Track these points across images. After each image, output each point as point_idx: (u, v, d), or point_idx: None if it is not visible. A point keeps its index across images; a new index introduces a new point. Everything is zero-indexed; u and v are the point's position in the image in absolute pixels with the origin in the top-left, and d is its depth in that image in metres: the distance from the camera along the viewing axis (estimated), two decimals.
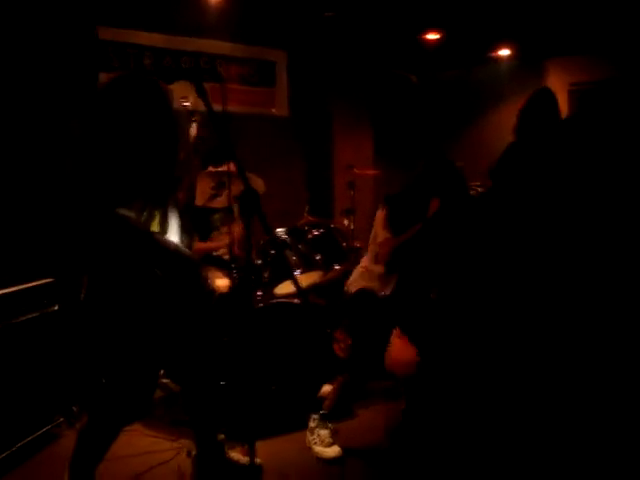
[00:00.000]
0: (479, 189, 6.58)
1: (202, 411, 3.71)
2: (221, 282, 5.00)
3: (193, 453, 3.87)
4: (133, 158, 3.08)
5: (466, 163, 6.59)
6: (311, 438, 4.31)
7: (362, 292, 4.18)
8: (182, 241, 3.38)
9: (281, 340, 4.65)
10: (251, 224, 2.84)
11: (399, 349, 4.39)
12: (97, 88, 5.67)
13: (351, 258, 5.44)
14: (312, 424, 4.34)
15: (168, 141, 3.24)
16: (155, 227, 3.21)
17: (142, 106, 3.14)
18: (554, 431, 3.08)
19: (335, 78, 7.90)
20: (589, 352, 3.72)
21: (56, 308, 4.47)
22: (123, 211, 3.06)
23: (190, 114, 4.70)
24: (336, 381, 4.41)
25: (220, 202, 4.92)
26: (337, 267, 5.22)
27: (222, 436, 3.89)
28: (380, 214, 4.17)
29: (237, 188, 5.00)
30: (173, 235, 3.32)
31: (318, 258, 5.09)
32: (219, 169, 5.13)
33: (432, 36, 7.39)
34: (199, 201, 4.86)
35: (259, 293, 4.93)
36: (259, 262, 5.09)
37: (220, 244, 5.34)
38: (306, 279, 5.09)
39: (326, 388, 4.71)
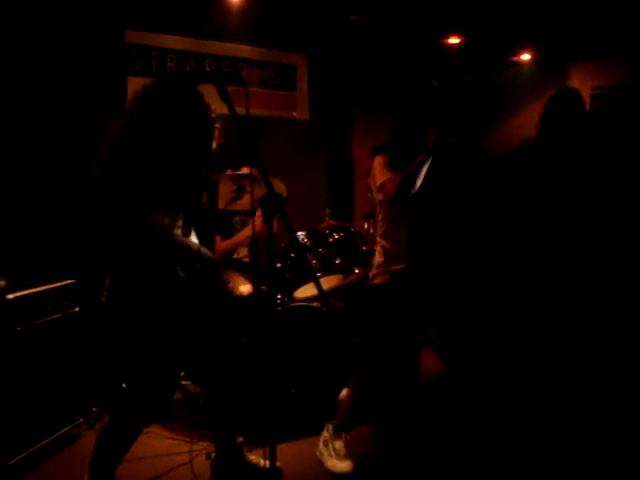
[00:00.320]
0: None
1: (222, 413, 3.72)
2: (244, 288, 5.01)
3: (212, 456, 3.89)
4: (167, 164, 3.09)
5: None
6: (324, 450, 4.21)
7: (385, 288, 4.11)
8: (203, 243, 3.38)
9: (301, 343, 4.65)
10: (273, 227, 2.84)
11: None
12: (129, 93, 5.72)
13: (370, 262, 5.43)
14: (326, 434, 4.25)
15: (203, 148, 3.26)
16: (178, 230, 3.23)
17: (180, 113, 3.15)
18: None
19: (356, 82, 7.90)
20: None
21: (77, 309, 4.50)
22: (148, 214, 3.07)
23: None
24: (349, 388, 4.37)
25: (241, 205, 4.95)
26: (357, 271, 5.21)
27: (241, 439, 3.90)
28: (377, 161, 4.09)
29: (258, 191, 5.04)
30: (194, 237, 3.33)
31: (338, 262, 5.09)
32: (237, 172, 5.15)
33: (453, 40, 7.36)
34: (221, 204, 4.89)
35: (279, 296, 4.93)
36: (279, 265, 5.10)
37: (241, 238, 5.33)
38: (326, 283, 5.10)
39: (345, 392, 4.70)
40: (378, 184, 4.00)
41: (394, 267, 4.05)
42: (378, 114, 7.86)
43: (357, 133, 7.97)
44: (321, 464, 4.18)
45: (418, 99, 4.05)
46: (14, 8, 5.06)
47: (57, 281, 4.39)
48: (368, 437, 4.60)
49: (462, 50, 7.52)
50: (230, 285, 5.02)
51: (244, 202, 4.89)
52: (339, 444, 4.17)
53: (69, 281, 4.47)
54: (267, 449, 2.89)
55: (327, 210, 6.04)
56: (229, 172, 5.18)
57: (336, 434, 4.19)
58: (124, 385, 3.63)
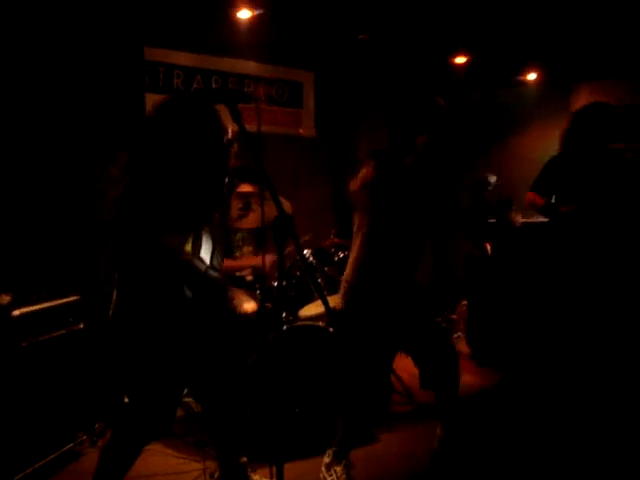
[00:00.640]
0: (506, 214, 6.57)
1: (224, 432, 3.70)
2: (248, 305, 5.00)
3: (216, 475, 3.86)
4: (181, 183, 3.07)
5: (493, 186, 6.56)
6: (326, 474, 4.13)
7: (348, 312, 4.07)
8: (214, 260, 3.36)
9: (306, 362, 4.63)
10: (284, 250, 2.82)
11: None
12: (146, 110, 5.72)
13: None
14: (327, 459, 4.17)
15: (218, 167, 3.24)
16: (188, 247, 3.21)
17: (195, 131, 3.13)
18: None
19: (362, 100, 7.91)
20: None
21: (82, 326, 4.49)
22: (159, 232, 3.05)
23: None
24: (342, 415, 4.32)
25: (247, 223, 4.95)
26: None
27: (245, 459, 3.87)
28: (365, 171, 4.05)
29: (258, 211, 5.05)
30: (205, 254, 3.31)
31: None
32: (243, 190, 5.15)
33: (460, 59, 7.39)
34: (228, 221, 4.89)
35: (283, 315, 4.91)
36: (284, 284, 5.08)
37: (246, 264, 5.33)
38: (330, 302, 5.06)
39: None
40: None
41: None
42: (385, 133, 7.88)
43: (363, 151, 7.97)
44: None
45: (422, 116, 4.04)
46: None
47: (62, 297, 4.38)
48: (373, 457, 4.57)
49: (469, 69, 7.54)
50: (235, 303, 5.01)
51: (250, 220, 4.90)
52: (340, 469, 4.12)
53: (74, 297, 4.46)
54: (274, 469, 2.86)
55: (332, 228, 6.03)
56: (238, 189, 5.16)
57: (336, 459, 4.15)
58: (126, 400, 3.61)
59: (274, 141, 7.08)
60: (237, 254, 5.43)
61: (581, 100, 7.53)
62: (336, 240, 5.87)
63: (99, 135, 5.31)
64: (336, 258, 5.21)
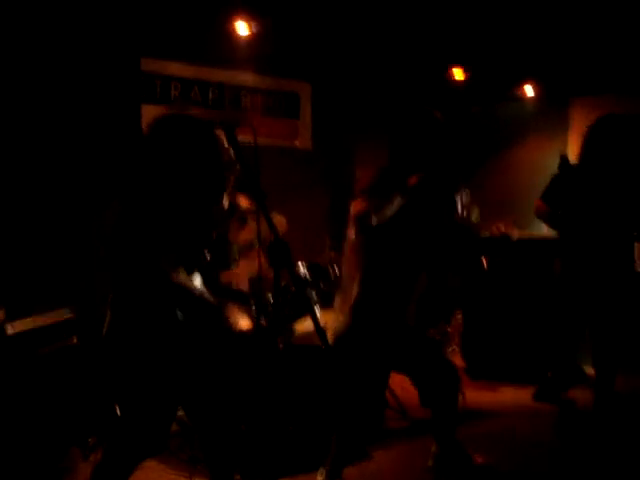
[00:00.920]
0: (502, 228, 6.57)
1: (217, 450, 3.68)
2: (243, 322, 4.97)
3: None
4: (179, 204, 3.06)
5: (488, 199, 6.60)
6: None
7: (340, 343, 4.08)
8: (212, 274, 3.35)
9: (299, 380, 4.61)
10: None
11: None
12: (143, 122, 5.73)
13: None
14: (320, 477, 4.14)
15: (214, 187, 3.23)
16: (182, 269, 3.20)
17: (192, 150, 3.12)
18: None
19: (359, 112, 7.89)
20: None
21: (75, 341, 4.47)
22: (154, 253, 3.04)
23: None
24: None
25: (242, 237, 4.94)
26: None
27: (238, 477, 3.86)
28: (356, 205, 4.12)
29: (255, 224, 5.04)
30: (199, 275, 3.30)
31: None
32: (240, 203, 5.14)
33: (457, 75, 7.38)
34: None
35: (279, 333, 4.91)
36: (279, 299, 5.07)
37: (242, 275, 5.32)
38: (325, 317, 5.07)
39: None
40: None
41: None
42: (381, 146, 7.87)
43: (360, 164, 7.95)
44: None
45: (419, 129, 4.06)
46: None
47: (55, 313, 4.37)
48: (367, 475, 4.56)
49: (467, 84, 7.54)
50: (230, 320, 4.98)
51: (245, 234, 4.89)
52: None
53: (67, 313, 4.44)
54: None
55: (328, 242, 6.02)
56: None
57: (329, 478, 4.13)
58: (119, 418, 3.59)
59: (270, 153, 7.02)
60: (233, 266, 5.42)
61: (578, 114, 7.55)
62: (332, 254, 5.87)
63: (95, 149, 5.31)
64: (331, 273, 5.19)
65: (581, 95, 7.59)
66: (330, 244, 5.96)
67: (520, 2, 5.89)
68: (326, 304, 5.06)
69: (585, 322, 5.46)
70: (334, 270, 5.27)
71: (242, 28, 6.06)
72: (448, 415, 4.21)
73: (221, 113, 6.60)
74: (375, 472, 4.60)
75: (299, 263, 5.19)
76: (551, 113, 7.79)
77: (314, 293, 5.05)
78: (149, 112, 6.18)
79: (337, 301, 4.24)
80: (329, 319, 4.25)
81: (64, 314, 4.44)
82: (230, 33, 6.16)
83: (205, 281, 3.33)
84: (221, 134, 3.02)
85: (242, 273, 5.31)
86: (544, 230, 6.42)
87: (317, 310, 5.06)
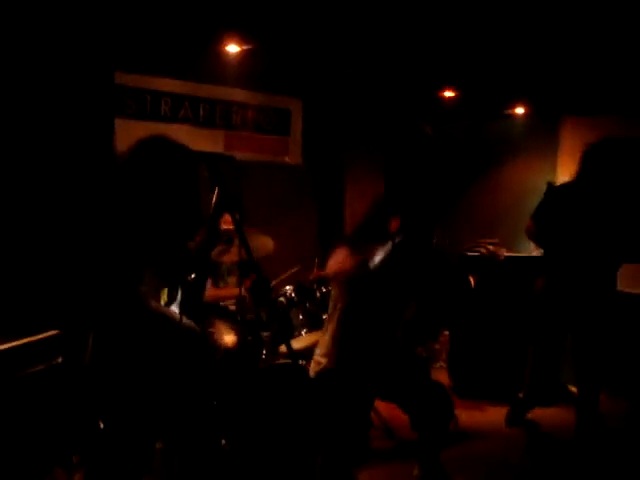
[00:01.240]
0: (490, 247, 6.58)
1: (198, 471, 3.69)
2: (228, 338, 4.99)
3: None
4: (152, 228, 3.06)
5: (476, 217, 6.63)
6: None
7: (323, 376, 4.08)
8: (194, 295, 3.36)
9: (284, 401, 4.61)
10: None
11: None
12: (123, 136, 5.72)
13: None
14: None
15: (190, 211, 3.22)
16: (164, 294, 3.21)
17: (166, 175, 3.11)
18: None
19: (350, 129, 7.91)
20: None
21: (60, 360, 4.46)
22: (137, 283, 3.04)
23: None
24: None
25: (229, 257, 4.95)
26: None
27: None
28: (340, 251, 4.11)
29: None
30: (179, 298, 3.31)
31: (325, 317, 5.07)
32: (225, 225, 5.18)
33: (448, 93, 7.41)
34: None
35: (264, 352, 4.91)
36: (266, 319, 5.09)
37: (229, 294, 5.34)
38: (312, 338, 5.08)
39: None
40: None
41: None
42: (372, 162, 7.91)
43: (350, 180, 7.98)
44: None
45: (411, 143, 4.08)
46: None
47: (40, 332, 4.35)
48: None
49: (456, 103, 7.56)
50: (215, 336, 5.00)
51: (232, 255, 4.90)
52: None
53: (52, 332, 4.42)
54: None
55: (316, 259, 6.02)
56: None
57: None
58: (103, 440, 3.58)
59: (260, 169, 7.09)
60: (221, 284, 5.44)
61: (568, 134, 7.58)
62: (320, 272, 5.87)
63: (68, 165, 5.29)
64: (317, 294, 5.21)
65: (572, 114, 7.61)
66: (319, 261, 5.95)
67: (513, 21, 5.90)
68: (313, 324, 5.08)
69: (564, 341, 5.50)
70: (321, 290, 5.28)
71: (233, 45, 6.07)
72: (437, 440, 4.21)
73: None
74: None
75: (286, 287, 5.22)
76: (541, 132, 7.81)
77: (300, 315, 5.06)
78: (138, 127, 6.22)
79: (325, 330, 4.24)
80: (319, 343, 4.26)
81: (49, 333, 4.42)
82: (221, 50, 6.17)
83: (187, 301, 3.33)
84: (203, 167, 2.99)
85: (229, 292, 5.33)
86: (532, 249, 6.46)
87: (303, 332, 5.08)
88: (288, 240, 6.32)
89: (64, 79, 5.40)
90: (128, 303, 3.02)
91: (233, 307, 5.37)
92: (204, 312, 4.87)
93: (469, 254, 6.79)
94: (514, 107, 7.78)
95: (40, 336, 4.33)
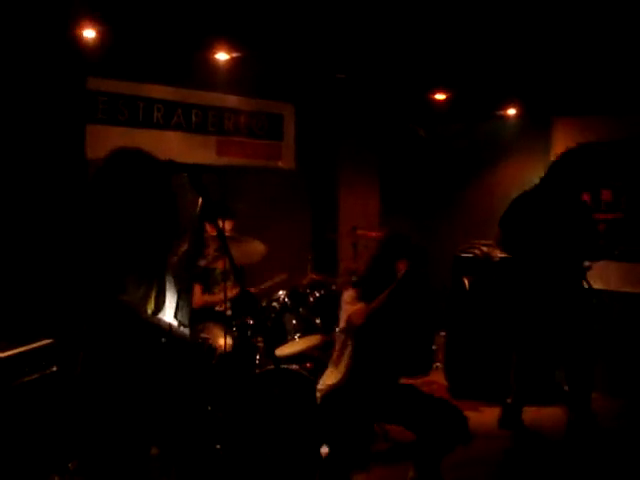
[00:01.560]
0: (484, 249, 6.62)
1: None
2: (224, 340, 5.01)
3: None
4: (128, 238, 3.07)
5: (469, 218, 6.66)
6: None
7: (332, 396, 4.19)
8: (179, 313, 3.37)
9: (276, 406, 4.63)
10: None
11: None
12: (115, 142, 5.73)
13: None
14: None
15: (164, 221, 3.23)
16: (151, 304, 3.21)
17: (139, 186, 3.12)
18: None
19: (343, 132, 7.94)
20: None
21: (55, 369, 4.48)
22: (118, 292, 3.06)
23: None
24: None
25: (222, 263, 4.98)
26: (337, 330, 5.24)
27: None
28: (348, 294, 4.23)
29: (236, 251, 5.10)
30: (169, 308, 3.31)
31: (318, 322, 5.12)
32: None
33: (440, 95, 7.44)
34: (203, 262, 4.93)
35: (257, 357, 4.94)
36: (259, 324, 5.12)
37: (217, 298, 5.36)
38: (305, 342, 5.12)
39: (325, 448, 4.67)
40: (346, 315, 4.16)
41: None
42: (365, 165, 7.93)
43: (343, 183, 7.99)
44: None
45: (406, 149, 4.14)
46: None
47: (34, 341, 4.37)
48: None
49: (448, 104, 7.58)
50: (211, 341, 5.02)
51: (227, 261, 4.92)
52: None
53: (46, 341, 4.45)
54: None
55: (310, 263, 6.06)
56: (208, 227, 5.17)
57: None
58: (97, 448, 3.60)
59: (253, 174, 7.11)
60: (216, 289, 5.46)
61: (560, 134, 7.59)
62: (314, 276, 5.90)
63: (39, 173, 5.32)
64: (311, 299, 5.24)
65: (563, 115, 7.63)
66: (312, 265, 5.99)
67: (503, 23, 5.93)
68: (306, 329, 5.11)
69: (546, 343, 5.55)
70: (314, 294, 5.32)
71: (222, 53, 6.11)
72: (441, 451, 4.27)
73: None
74: None
75: (279, 292, 5.26)
76: (533, 132, 7.83)
77: (294, 319, 5.09)
78: (131, 135, 6.25)
79: (333, 354, 4.32)
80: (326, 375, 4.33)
81: (44, 342, 4.44)
82: (212, 57, 6.21)
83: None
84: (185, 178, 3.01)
85: (219, 297, 5.35)
86: None
87: (296, 336, 5.11)
88: (282, 244, 6.34)
89: (35, 85, 5.42)
90: (110, 312, 3.04)
91: (229, 312, 5.41)
92: (197, 317, 4.92)
93: (463, 255, 6.88)
94: (506, 108, 7.81)
95: (35, 345, 4.36)
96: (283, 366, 4.76)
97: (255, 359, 4.91)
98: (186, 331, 3.24)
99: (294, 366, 4.72)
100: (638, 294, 6.67)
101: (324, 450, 4.41)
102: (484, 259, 6.72)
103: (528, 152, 7.78)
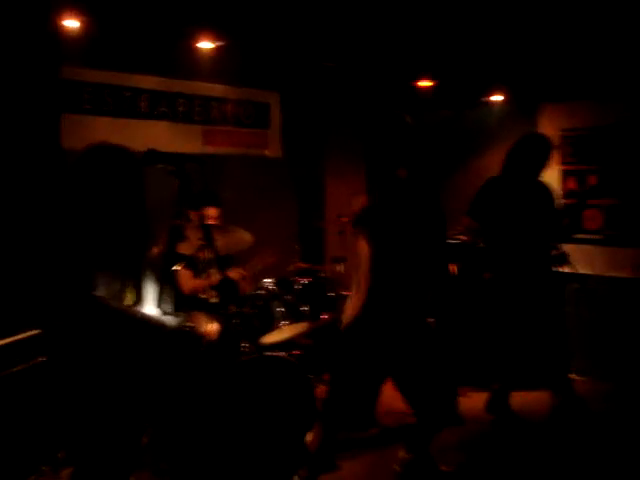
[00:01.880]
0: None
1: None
2: (210, 327, 5.02)
3: None
4: (102, 231, 3.08)
5: (456, 204, 6.67)
6: None
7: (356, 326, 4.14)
8: (162, 303, 3.39)
9: (263, 393, 4.65)
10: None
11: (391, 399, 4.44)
12: (103, 132, 5.75)
13: (338, 307, 5.49)
14: None
15: (137, 215, 3.23)
16: (129, 296, 3.22)
17: (111, 181, 3.12)
18: None
19: (329, 121, 7.94)
20: None
21: (43, 359, 4.48)
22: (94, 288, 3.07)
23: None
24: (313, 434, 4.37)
25: (208, 253, 5.00)
26: (324, 316, 5.27)
27: None
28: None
29: (221, 239, 5.13)
30: (151, 299, 3.33)
31: (305, 309, 5.14)
32: (207, 215, 5.23)
33: (425, 83, 7.44)
34: (188, 250, 4.93)
35: (245, 344, 4.95)
36: (247, 311, 5.13)
37: (208, 283, 5.37)
38: (293, 330, 5.14)
39: (310, 436, 4.69)
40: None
41: None
42: (351, 154, 7.94)
43: (330, 172, 8.00)
44: None
45: (391, 133, 4.13)
46: None
47: (22, 331, 4.37)
48: None
49: (434, 92, 7.59)
50: (198, 328, 5.04)
51: (211, 250, 4.95)
52: None
53: (34, 331, 4.44)
54: None
55: (297, 251, 6.08)
56: (192, 214, 5.18)
57: None
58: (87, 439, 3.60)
59: (240, 162, 7.11)
60: (203, 277, 5.46)
61: (547, 120, 7.61)
62: (300, 264, 5.92)
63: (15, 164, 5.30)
64: (297, 287, 5.27)
65: (549, 101, 7.64)
66: (299, 253, 6.00)
67: (488, 10, 5.93)
68: (293, 316, 5.14)
69: (525, 327, 5.61)
70: (301, 282, 5.34)
71: (206, 42, 6.10)
72: (435, 425, 4.29)
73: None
74: None
75: (266, 280, 5.28)
76: (519, 119, 7.83)
77: (281, 307, 5.11)
78: (117, 125, 6.24)
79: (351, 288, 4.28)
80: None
81: (31, 332, 4.44)
82: (196, 46, 6.19)
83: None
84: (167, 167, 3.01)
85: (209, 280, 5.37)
86: None
87: (283, 324, 5.13)
88: (269, 231, 6.35)
89: (9, 75, 5.39)
90: (83, 306, 3.05)
91: (215, 299, 5.42)
92: (183, 306, 4.93)
93: (450, 242, 6.90)
94: (492, 95, 7.81)
95: (22, 336, 4.36)
96: (270, 353, 4.78)
97: (240, 346, 4.92)
98: (170, 319, 3.26)
99: (281, 353, 4.74)
100: (624, 278, 6.71)
101: (309, 438, 4.44)
102: (471, 244, 6.74)
103: (515, 138, 7.79)
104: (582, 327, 6.65)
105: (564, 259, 5.64)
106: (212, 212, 5.46)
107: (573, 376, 5.96)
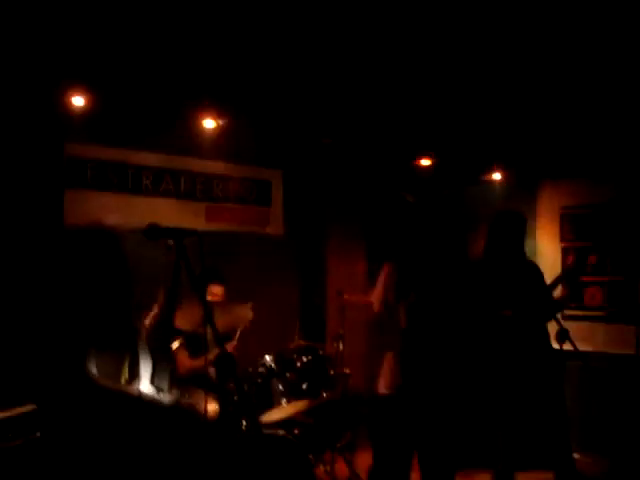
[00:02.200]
0: None
1: None
2: (210, 407, 4.97)
3: None
4: (88, 308, 3.09)
5: None
6: None
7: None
8: (156, 379, 3.36)
9: (263, 473, 4.59)
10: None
11: None
12: (106, 210, 5.81)
13: (338, 386, 5.45)
14: None
15: (122, 294, 3.24)
16: (125, 373, 3.21)
17: (97, 263, 3.14)
18: None
19: (331, 198, 7.99)
20: None
21: (38, 435, 4.43)
22: (90, 367, 3.06)
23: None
24: None
25: (208, 331, 4.96)
26: (324, 395, 5.22)
27: None
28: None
29: (220, 318, 5.11)
30: (145, 372, 3.31)
31: (305, 387, 5.09)
32: (211, 294, 5.24)
33: (425, 162, 7.51)
34: (188, 326, 4.91)
35: (244, 422, 4.90)
36: (246, 389, 5.09)
37: (204, 363, 5.33)
38: (292, 408, 5.09)
39: None
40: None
41: None
42: (352, 231, 7.98)
43: (331, 250, 8.01)
44: None
45: (394, 214, 4.15)
46: None
47: (17, 407, 4.33)
48: None
49: (434, 170, 7.66)
50: (196, 407, 4.99)
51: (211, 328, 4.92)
52: None
53: (30, 407, 4.41)
54: None
55: (297, 329, 6.05)
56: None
57: None
58: None
59: (241, 240, 7.13)
60: (200, 356, 5.43)
61: (547, 198, 7.67)
62: (301, 342, 5.89)
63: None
64: (298, 364, 5.23)
65: (548, 178, 7.71)
66: (299, 332, 5.98)
67: (490, 88, 6.04)
68: (293, 394, 5.09)
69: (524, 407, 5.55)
70: (301, 359, 5.30)
71: (209, 120, 6.20)
72: None
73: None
74: None
75: (265, 357, 5.24)
76: (520, 196, 7.88)
77: (280, 384, 5.07)
78: (121, 202, 6.30)
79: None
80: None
81: (27, 407, 4.40)
82: (199, 124, 6.29)
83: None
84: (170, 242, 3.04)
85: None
86: None
87: (283, 401, 5.08)
88: (269, 309, 6.33)
89: (13, 151, 5.47)
90: (75, 386, 3.04)
91: (213, 376, 5.38)
92: (180, 382, 4.89)
93: None
94: (492, 173, 7.87)
95: (18, 411, 4.32)
96: (270, 431, 4.73)
97: (240, 425, 4.86)
98: (164, 397, 3.23)
99: (281, 432, 4.69)
100: (625, 355, 6.67)
101: None
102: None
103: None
104: (583, 404, 6.58)
105: (565, 336, 5.59)
106: (216, 289, 5.48)
107: (575, 455, 5.86)
